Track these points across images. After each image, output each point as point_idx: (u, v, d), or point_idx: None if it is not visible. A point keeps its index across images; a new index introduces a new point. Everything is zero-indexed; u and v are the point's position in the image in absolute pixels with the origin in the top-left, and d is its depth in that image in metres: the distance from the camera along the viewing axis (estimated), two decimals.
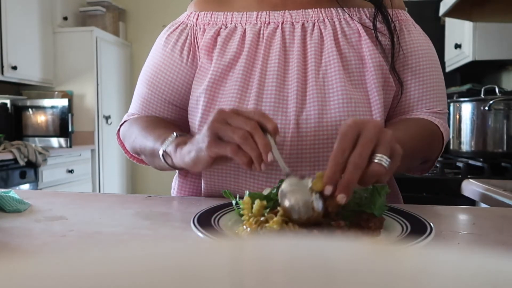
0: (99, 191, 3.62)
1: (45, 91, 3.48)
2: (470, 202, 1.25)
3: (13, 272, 0.13)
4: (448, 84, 2.25)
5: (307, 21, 0.77)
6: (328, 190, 0.48)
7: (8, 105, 3.25)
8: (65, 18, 3.60)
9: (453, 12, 1.84)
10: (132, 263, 0.14)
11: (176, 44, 0.81)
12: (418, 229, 0.48)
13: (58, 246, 0.47)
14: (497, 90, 1.69)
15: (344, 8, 0.77)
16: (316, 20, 0.77)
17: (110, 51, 3.80)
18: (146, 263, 0.14)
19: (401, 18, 0.79)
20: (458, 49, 2.21)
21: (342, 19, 0.77)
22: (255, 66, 0.75)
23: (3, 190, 0.68)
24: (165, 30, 0.84)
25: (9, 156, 2.59)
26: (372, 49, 0.74)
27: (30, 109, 3.26)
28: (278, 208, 0.50)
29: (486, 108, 1.61)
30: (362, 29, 0.75)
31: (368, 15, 0.77)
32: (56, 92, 3.44)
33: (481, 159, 1.64)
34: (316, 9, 0.78)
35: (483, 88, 1.76)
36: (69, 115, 3.23)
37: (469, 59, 2.06)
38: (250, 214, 0.50)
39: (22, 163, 2.65)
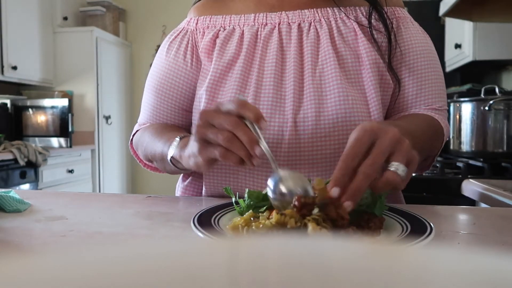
0: (99, 191, 3.62)
1: (45, 91, 3.48)
2: (470, 202, 1.25)
3: (13, 272, 0.13)
4: (448, 84, 2.25)
5: (303, 21, 0.78)
6: (335, 192, 0.46)
7: (8, 105, 3.25)
8: (65, 18, 3.60)
9: (453, 12, 1.84)
10: (131, 262, 0.14)
11: (178, 50, 0.82)
12: (418, 229, 0.48)
13: (58, 246, 0.47)
14: (497, 90, 1.69)
15: (340, 7, 0.78)
16: (312, 20, 0.78)
17: (110, 51, 3.80)
18: (145, 263, 0.14)
19: (399, 15, 0.79)
20: (458, 49, 2.21)
21: (338, 18, 0.77)
22: (253, 66, 0.76)
23: (3, 190, 0.68)
24: (167, 38, 0.86)
25: (9, 156, 2.59)
26: (368, 47, 0.74)
27: (30, 109, 3.26)
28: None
29: (486, 108, 1.61)
30: (358, 28, 0.76)
31: (364, 13, 0.78)
32: (56, 92, 3.44)
33: (481, 159, 1.64)
34: (312, 10, 0.78)
35: (483, 88, 1.76)
36: (69, 115, 3.23)
37: (469, 59, 2.06)
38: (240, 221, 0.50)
39: (22, 163, 2.65)
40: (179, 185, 0.87)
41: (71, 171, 3.25)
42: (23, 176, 2.71)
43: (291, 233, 0.46)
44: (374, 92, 0.73)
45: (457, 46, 2.21)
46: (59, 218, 0.59)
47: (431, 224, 0.49)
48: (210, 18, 0.82)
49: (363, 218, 0.49)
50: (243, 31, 0.79)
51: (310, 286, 0.13)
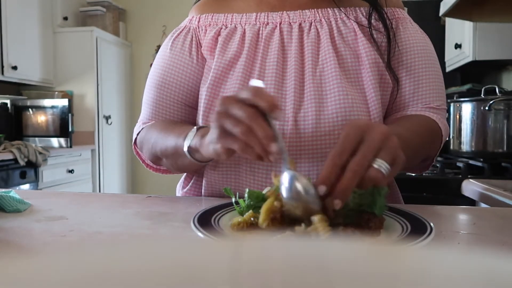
0: (99, 191, 3.62)
1: (45, 91, 3.48)
2: (470, 202, 1.25)
3: (13, 271, 0.13)
4: (448, 84, 2.25)
5: (304, 21, 0.78)
6: (322, 190, 0.47)
7: (8, 105, 3.25)
8: (65, 18, 3.60)
9: (453, 12, 1.84)
10: (132, 263, 0.14)
11: (183, 46, 0.82)
12: (418, 229, 0.48)
13: (58, 246, 0.47)
14: (497, 90, 1.69)
15: (341, 8, 0.78)
16: (313, 20, 0.78)
17: (110, 51, 3.80)
18: (145, 263, 0.14)
19: (398, 16, 0.80)
20: (458, 49, 2.21)
21: (338, 19, 0.78)
22: (254, 65, 0.76)
23: (3, 190, 0.68)
24: (169, 36, 0.86)
25: (9, 156, 2.59)
26: (368, 47, 0.74)
27: (30, 109, 3.26)
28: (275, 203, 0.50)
29: (486, 108, 1.61)
30: (358, 28, 0.76)
31: (364, 14, 0.78)
32: (56, 92, 3.44)
33: (481, 159, 1.64)
34: (313, 10, 0.79)
35: (483, 88, 1.76)
36: (69, 115, 3.23)
37: (469, 59, 2.06)
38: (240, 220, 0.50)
39: (22, 163, 2.65)
40: (179, 190, 0.87)
41: (71, 171, 3.25)
42: (23, 176, 2.71)
43: (293, 234, 0.46)
44: (373, 92, 0.73)
45: (457, 46, 2.21)
46: (59, 218, 0.59)
47: (431, 224, 0.49)
48: (212, 16, 0.82)
49: (363, 218, 0.49)
50: (244, 29, 0.79)
51: (311, 286, 0.13)
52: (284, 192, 0.49)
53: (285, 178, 0.50)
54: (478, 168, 1.61)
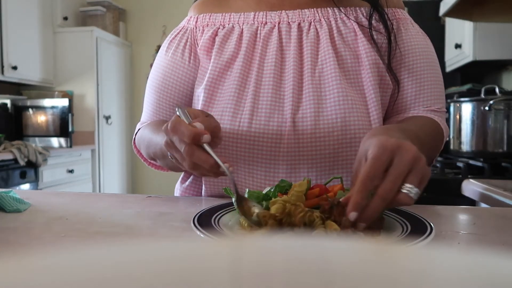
0: (99, 191, 3.62)
1: (45, 91, 3.48)
2: (470, 202, 1.25)
3: (13, 271, 0.13)
4: (448, 84, 2.25)
5: (303, 21, 0.77)
6: (353, 216, 0.45)
7: (8, 105, 3.25)
8: (65, 18, 3.60)
9: (453, 12, 1.84)
10: (131, 263, 0.14)
11: (177, 48, 0.82)
12: (418, 229, 0.48)
13: (58, 246, 0.47)
14: (497, 90, 1.69)
15: (341, 8, 0.78)
16: (312, 20, 0.77)
17: (110, 51, 3.80)
18: (146, 263, 0.14)
19: (399, 16, 0.79)
20: (458, 49, 2.21)
21: (338, 19, 0.77)
22: (252, 65, 0.75)
23: (3, 190, 0.68)
24: (167, 38, 0.86)
25: (9, 156, 2.59)
26: (368, 47, 0.74)
27: (30, 109, 3.26)
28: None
29: (487, 108, 1.61)
30: (358, 28, 0.76)
31: (364, 14, 0.78)
32: (56, 92, 3.44)
33: (481, 159, 1.64)
34: (312, 9, 0.78)
35: (483, 88, 1.76)
36: (69, 115, 3.23)
37: (469, 59, 2.06)
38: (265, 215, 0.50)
39: (22, 163, 2.65)
40: (178, 187, 0.87)
41: (71, 171, 3.25)
42: (23, 176, 2.71)
43: (295, 233, 0.46)
44: (373, 93, 0.73)
45: (457, 46, 2.21)
46: (59, 218, 0.59)
47: (431, 224, 0.49)
48: (210, 16, 0.81)
49: None
50: (242, 29, 0.78)
51: (312, 285, 0.13)
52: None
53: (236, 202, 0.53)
54: (478, 168, 1.61)
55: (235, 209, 0.56)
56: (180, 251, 0.15)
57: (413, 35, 0.78)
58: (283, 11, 0.79)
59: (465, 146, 1.73)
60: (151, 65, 0.89)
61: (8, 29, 2.93)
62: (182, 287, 0.13)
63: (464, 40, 2.13)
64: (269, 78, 0.74)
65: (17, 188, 2.62)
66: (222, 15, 0.81)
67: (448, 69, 2.41)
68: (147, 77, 0.88)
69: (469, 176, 1.47)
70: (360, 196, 0.46)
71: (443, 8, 1.94)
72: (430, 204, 0.68)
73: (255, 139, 0.71)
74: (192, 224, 0.49)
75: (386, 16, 0.77)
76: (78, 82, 3.54)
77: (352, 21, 0.77)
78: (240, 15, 0.80)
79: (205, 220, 0.51)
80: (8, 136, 3.02)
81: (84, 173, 3.46)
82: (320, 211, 0.47)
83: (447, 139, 0.79)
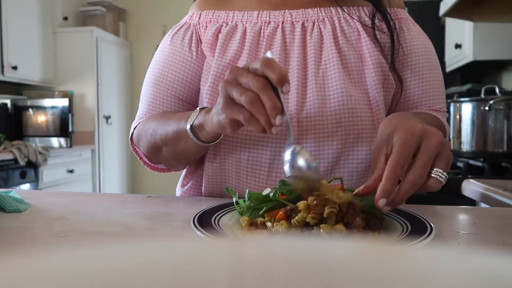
0: (99, 191, 3.62)
1: (45, 91, 3.48)
2: (470, 202, 1.25)
3: (13, 272, 0.13)
4: (449, 84, 2.25)
5: (307, 21, 0.78)
6: (382, 203, 0.46)
7: (9, 105, 3.25)
8: (65, 18, 3.60)
9: (453, 12, 1.84)
10: (132, 263, 0.14)
11: (183, 40, 0.81)
12: (418, 229, 0.48)
13: (58, 246, 0.47)
14: (497, 90, 1.69)
15: (344, 8, 0.78)
16: (316, 20, 0.77)
17: (110, 51, 3.80)
18: (145, 264, 0.14)
19: (401, 16, 0.80)
20: (458, 49, 2.21)
21: (341, 18, 0.77)
22: None
23: (3, 190, 0.68)
24: (169, 32, 0.85)
25: (9, 156, 2.59)
26: (372, 47, 0.74)
27: (30, 109, 3.26)
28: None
29: (487, 108, 1.61)
30: (361, 28, 0.76)
31: (367, 13, 0.78)
32: (56, 92, 3.44)
33: (482, 159, 1.64)
34: (316, 9, 0.78)
35: (483, 88, 1.76)
36: (69, 115, 3.23)
37: (470, 59, 2.06)
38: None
39: (22, 163, 2.65)
40: (178, 191, 0.86)
41: (71, 171, 3.25)
42: (23, 176, 2.71)
43: (295, 234, 0.46)
44: (377, 92, 0.73)
45: (457, 46, 2.21)
46: (59, 218, 0.59)
47: (431, 224, 0.49)
48: (213, 13, 0.81)
49: (363, 218, 0.49)
50: (245, 28, 0.78)
51: (313, 285, 0.13)
52: (287, 168, 0.51)
53: (287, 153, 0.51)
54: (478, 168, 1.61)
55: (235, 209, 0.56)
56: (180, 251, 0.15)
57: (415, 35, 0.79)
58: (286, 10, 0.79)
59: (465, 146, 1.72)
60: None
61: (8, 29, 2.93)
62: (182, 286, 0.13)
63: (464, 40, 2.13)
64: None
65: (17, 188, 2.62)
66: (225, 13, 0.80)
67: (448, 69, 2.41)
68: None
69: (469, 176, 1.47)
70: (390, 183, 0.46)
71: (443, 8, 1.94)
72: (430, 204, 0.68)
73: (259, 137, 0.72)
74: (192, 224, 0.49)
75: (388, 16, 0.77)
76: (78, 82, 3.54)
77: (355, 21, 0.77)
78: (243, 13, 0.80)
79: (205, 220, 0.51)
80: (8, 136, 3.02)
81: (84, 173, 3.46)
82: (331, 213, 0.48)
83: (448, 138, 0.80)
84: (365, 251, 0.14)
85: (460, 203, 1.28)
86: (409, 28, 0.79)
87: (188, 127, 0.65)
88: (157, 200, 0.72)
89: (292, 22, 0.78)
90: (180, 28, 0.83)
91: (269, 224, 0.50)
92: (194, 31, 0.81)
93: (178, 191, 0.86)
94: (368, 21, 0.77)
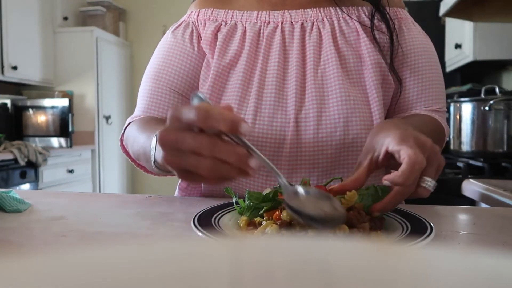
0: (99, 191, 3.62)
1: (46, 91, 3.48)
2: (470, 202, 1.25)
3: (13, 272, 0.13)
4: (449, 84, 2.25)
5: (306, 21, 0.78)
6: (376, 215, 0.49)
7: (9, 105, 3.25)
8: (66, 18, 3.60)
9: (454, 12, 1.84)
10: (131, 262, 0.14)
11: (184, 35, 0.80)
12: (418, 229, 0.48)
13: (58, 246, 0.47)
14: (497, 90, 1.69)
15: (343, 8, 0.78)
16: (315, 20, 0.78)
17: (110, 51, 3.80)
18: (145, 264, 0.14)
19: (400, 16, 0.80)
20: (458, 49, 2.21)
21: (340, 18, 0.77)
22: (255, 65, 0.75)
23: (3, 190, 0.68)
24: (169, 30, 0.84)
25: (9, 156, 2.59)
26: (371, 47, 0.74)
27: (30, 109, 3.26)
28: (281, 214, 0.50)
29: (487, 108, 1.61)
30: (360, 28, 0.76)
31: (366, 13, 0.78)
32: (56, 92, 3.44)
33: (482, 159, 1.64)
34: (315, 9, 0.78)
35: (484, 88, 1.76)
36: (69, 115, 3.23)
37: (470, 59, 2.06)
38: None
39: (22, 163, 2.65)
40: (178, 188, 0.86)
41: (71, 171, 3.25)
42: (23, 176, 2.71)
43: (295, 235, 0.46)
44: (376, 93, 0.73)
45: (457, 46, 2.21)
46: (59, 218, 0.59)
47: (431, 224, 0.49)
48: (212, 11, 0.81)
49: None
50: (245, 28, 0.78)
51: (312, 285, 0.13)
52: (291, 212, 0.45)
53: (289, 198, 0.45)
54: (478, 168, 1.61)
55: (235, 209, 0.56)
56: (180, 251, 0.15)
57: (415, 35, 0.79)
58: (285, 10, 0.79)
59: (465, 146, 1.72)
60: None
61: (8, 29, 2.93)
62: (182, 286, 0.13)
63: (464, 40, 2.13)
64: (272, 78, 0.74)
65: (17, 188, 2.62)
66: (224, 11, 0.80)
67: (448, 69, 2.41)
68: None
69: (469, 176, 1.47)
70: (392, 204, 0.49)
71: (443, 8, 1.94)
72: (430, 204, 0.68)
73: (258, 139, 0.72)
74: (192, 224, 0.49)
75: (388, 15, 0.77)
76: (78, 82, 3.54)
77: (354, 21, 0.77)
78: (243, 13, 0.79)
79: (205, 220, 0.51)
80: (8, 136, 3.02)
81: (84, 173, 3.46)
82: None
83: (447, 138, 0.80)
84: (365, 251, 0.14)
85: (460, 203, 1.27)
86: (409, 28, 0.79)
87: (152, 162, 0.56)
88: (157, 200, 0.72)
89: (292, 22, 0.78)
90: (179, 25, 0.83)
91: (263, 222, 0.50)
92: (194, 28, 0.81)
93: (178, 192, 0.86)
94: (367, 21, 0.77)
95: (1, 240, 0.49)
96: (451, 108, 1.80)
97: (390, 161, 0.52)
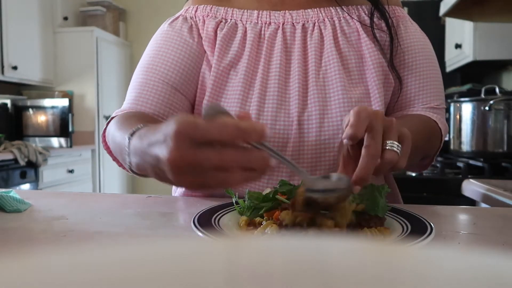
0: (99, 191, 3.62)
1: (46, 91, 3.48)
2: (471, 202, 1.25)
3: (13, 272, 0.13)
4: (449, 84, 2.25)
5: (307, 22, 0.77)
6: (357, 190, 0.49)
7: (9, 105, 3.25)
8: (66, 18, 3.60)
9: (454, 12, 1.84)
10: (131, 262, 0.14)
11: (182, 28, 0.77)
12: (418, 229, 0.48)
13: (58, 246, 0.47)
14: (497, 90, 1.69)
15: (343, 7, 0.78)
16: (316, 20, 0.77)
17: (110, 51, 3.80)
18: (144, 263, 0.14)
19: (398, 14, 0.80)
20: (458, 49, 2.21)
21: (341, 18, 0.77)
22: (257, 66, 0.75)
23: (3, 190, 0.68)
24: (164, 22, 0.81)
25: (9, 156, 2.59)
26: (371, 47, 0.74)
27: (30, 109, 3.26)
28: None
29: (487, 108, 1.61)
30: (361, 28, 0.76)
31: (366, 12, 0.78)
32: (56, 92, 3.44)
33: (482, 159, 1.64)
34: (315, 9, 0.78)
35: (484, 88, 1.76)
36: (70, 115, 3.23)
37: (470, 59, 2.05)
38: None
39: (22, 163, 2.65)
40: (175, 188, 0.84)
41: (71, 171, 3.25)
42: (23, 176, 2.71)
43: (293, 234, 0.46)
44: (377, 92, 0.73)
45: (457, 46, 2.21)
46: (59, 218, 0.59)
47: (431, 224, 0.49)
48: (211, 8, 0.79)
49: (363, 218, 0.49)
50: (246, 28, 0.77)
51: (311, 285, 0.13)
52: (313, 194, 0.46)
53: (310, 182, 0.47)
54: (478, 168, 1.61)
55: (235, 209, 0.56)
56: (179, 251, 0.15)
57: (412, 33, 0.79)
58: (286, 11, 0.78)
59: (465, 146, 1.72)
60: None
61: (8, 29, 2.93)
62: (180, 287, 0.13)
63: (464, 40, 2.13)
64: (274, 80, 0.73)
65: (17, 188, 2.62)
66: (224, 9, 0.78)
67: (448, 69, 2.41)
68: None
69: (469, 176, 1.47)
70: (368, 169, 0.48)
71: (443, 8, 1.94)
72: (430, 204, 0.68)
73: None
74: (192, 224, 0.49)
75: (387, 14, 0.77)
76: (78, 82, 3.54)
77: (355, 21, 0.77)
78: (243, 12, 0.78)
79: (205, 220, 0.51)
80: (8, 136, 3.02)
81: (84, 173, 3.46)
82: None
83: (446, 138, 0.79)
84: (364, 251, 0.14)
85: (460, 203, 1.28)
86: (406, 25, 0.79)
87: (128, 170, 0.53)
88: (157, 200, 0.72)
89: (293, 23, 0.77)
90: (176, 18, 0.80)
91: (263, 222, 0.50)
92: (192, 23, 0.78)
93: (175, 191, 0.85)
94: (367, 20, 0.77)
95: (1, 240, 0.49)
96: (451, 108, 1.80)
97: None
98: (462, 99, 1.76)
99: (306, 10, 0.78)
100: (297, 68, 0.74)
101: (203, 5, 0.79)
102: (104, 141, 0.73)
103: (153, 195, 0.76)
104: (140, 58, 0.80)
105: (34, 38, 3.25)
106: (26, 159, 2.69)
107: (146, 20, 4.18)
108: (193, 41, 0.76)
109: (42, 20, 3.34)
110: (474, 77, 2.40)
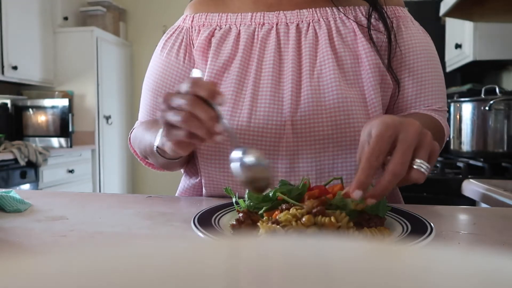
0: (99, 191, 3.62)
1: (46, 91, 3.48)
2: (471, 202, 1.25)
3: (13, 272, 0.13)
4: (449, 84, 2.25)
5: (302, 22, 0.77)
6: (357, 195, 0.45)
7: (9, 105, 3.25)
8: (66, 18, 3.60)
9: (454, 12, 1.84)
10: (131, 262, 0.14)
11: (172, 48, 0.82)
12: (418, 229, 0.48)
13: (59, 246, 0.47)
14: (497, 90, 1.69)
15: (340, 7, 0.77)
16: (311, 20, 0.77)
17: (110, 51, 3.80)
18: (144, 263, 0.14)
19: (399, 14, 0.79)
20: (458, 49, 2.21)
21: (337, 18, 0.77)
22: (249, 67, 0.75)
23: (3, 190, 0.68)
24: (163, 37, 0.85)
25: (9, 156, 2.59)
26: (368, 48, 0.73)
27: (30, 109, 3.26)
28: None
29: (487, 108, 1.61)
30: (357, 28, 0.75)
31: (364, 13, 0.77)
32: (56, 92, 3.44)
33: (482, 159, 1.64)
34: (311, 9, 0.77)
35: (484, 88, 1.76)
36: (70, 115, 3.23)
37: (470, 59, 2.05)
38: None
39: (22, 163, 2.65)
40: (181, 183, 0.86)
41: (71, 171, 3.25)
42: (23, 176, 2.71)
43: (294, 233, 0.46)
44: (373, 94, 0.72)
45: (458, 46, 2.21)
46: (59, 218, 0.59)
47: (431, 224, 0.49)
48: (206, 16, 0.80)
49: (364, 218, 0.49)
50: (239, 30, 0.77)
51: (311, 286, 0.13)
52: (235, 169, 0.53)
53: (235, 154, 0.54)
54: (479, 168, 1.61)
55: (235, 209, 0.56)
56: (179, 251, 0.15)
57: (413, 33, 0.78)
58: (281, 11, 0.78)
59: (465, 146, 1.72)
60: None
61: (8, 29, 2.93)
62: (180, 287, 0.13)
63: (464, 40, 2.13)
64: (267, 80, 0.73)
65: (17, 188, 2.62)
66: (218, 15, 0.80)
67: (448, 69, 2.41)
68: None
69: (469, 176, 1.47)
70: (365, 174, 0.46)
71: (443, 8, 1.94)
72: (430, 204, 0.68)
73: (253, 141, 0.71)
74: (192, 224, 0.49)
75: (385, 14, 0.76)
76: (78, 82, 3.54)
77: (351, 21, 0.76)
78: (237, 15, 0.79)
79: (205, 220, 0.51)
80: (8, 136, 3.02)
81: (84, 173, 3.46)
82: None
83: (448, 138, 0.79)
84: (365, 251, 0.14)
85: (460, 203, 1.28)
86: (407, 26, 0.78)
87: (155, 148, 0.66)
88: (157, 200, 0.72)
89: (287, 23, 0.77)
90: (173, 33, 0.83)
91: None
92: (185, 36, 0.81)
93: (178, 192, 0.86)
94: (364, 21, 0.76)
95: (1, 240, 0.49)
96: (451, 108, 1.80)
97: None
98: (462, 99, 1.76)
99: (301, 10, 0.78)
100: (290, 68, 0.73)
101: (199, 14, 0.81)
102: (132, 146, 0.85)
103: (153, 195, 0.76)
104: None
105: (34, 38, 3.25)
106: (26, 159, 2.69)
107: (146, 20, 4.18)
108: (179, 63, 0.81)
109: (42, 20, 3.35)
110: (474, 77, 2.40)
